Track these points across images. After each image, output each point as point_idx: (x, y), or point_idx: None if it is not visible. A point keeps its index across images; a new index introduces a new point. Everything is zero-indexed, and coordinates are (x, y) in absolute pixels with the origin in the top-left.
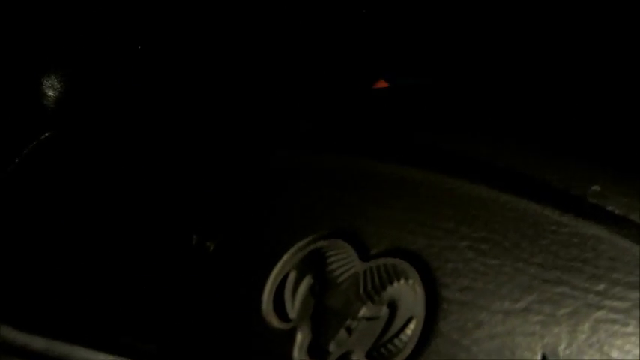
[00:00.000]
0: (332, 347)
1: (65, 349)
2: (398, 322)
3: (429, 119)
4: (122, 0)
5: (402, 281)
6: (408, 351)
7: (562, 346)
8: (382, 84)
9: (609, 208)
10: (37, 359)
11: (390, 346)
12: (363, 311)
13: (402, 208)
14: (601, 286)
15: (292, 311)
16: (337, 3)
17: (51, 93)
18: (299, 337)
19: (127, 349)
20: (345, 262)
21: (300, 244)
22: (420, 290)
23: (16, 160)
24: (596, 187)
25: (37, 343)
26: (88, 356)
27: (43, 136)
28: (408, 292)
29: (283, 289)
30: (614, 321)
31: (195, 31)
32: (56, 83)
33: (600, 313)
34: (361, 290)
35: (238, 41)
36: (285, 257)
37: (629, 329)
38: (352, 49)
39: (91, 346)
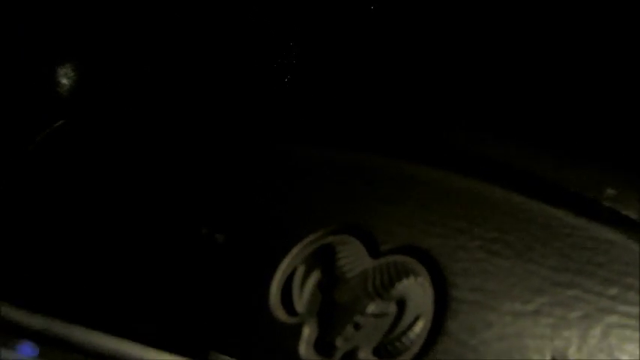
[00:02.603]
0: (339, 343)
1: (65, 328)
2: (406, 320)
3: (443, 118)
4: None
5: (412, 279)
6: (415, 349)
7: (572, 350)
8: None
9: (624, 212)
10: (37, 338)
11: (397, 343)
12: (372, 308)
13: (413, 206)
14: (614, 291)
15: (300, 305)
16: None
17: (65, 82)
18: (306, 331)
19: (128, 332)
20: (354, 258)
21: (310, 238)
22: (429, 289)
23: (30, 148)
24: (611, 191)
25: (37, 321)
26: (87, 337)
27: (56, 124)
28: (417, 290)
29: (291, 283)
30: (626, 326)
31: (209, 27)
32: (70, 72)
33: (612, 318)
34: (370, 287)
35: (250, 40)
36: (294, 251)
37: None
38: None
39: (93, 327)
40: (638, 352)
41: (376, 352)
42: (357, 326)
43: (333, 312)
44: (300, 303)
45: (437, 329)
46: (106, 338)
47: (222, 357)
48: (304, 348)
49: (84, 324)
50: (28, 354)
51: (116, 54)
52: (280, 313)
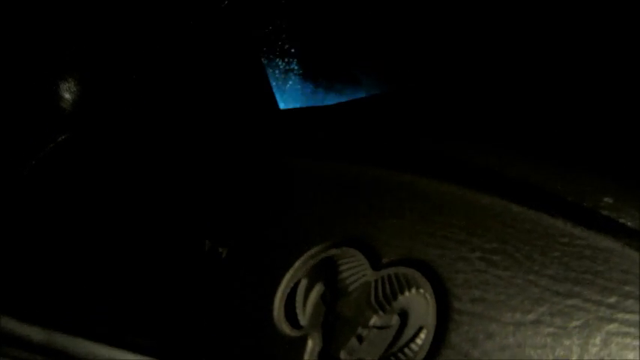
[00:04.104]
0: (343, 355)
1: (65, 340)
2: (409, 332)
3: (442, 129)
4: (138, 7)
5: (414, 291)
6: None
7: (574, 359)
8: None
9: (622, 220)
10: (38, 351)
11: (400, 355)
12: (374, 320)
13: (414, 217)
14: (613, 299)
15: (303, 318)
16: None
17: (68, 96)
18: (310, 344)
19: (130, 344)
20: (356, 270)
21: (312, 251)
22: (431, 300)
23: (34, 162)
24: (608, 199)
25: (38, 334)
26: (89, 349)
27: (60, 138)
28: (420, 302)
29: (295, 296)
30: (626, 334)
31: (213, 42)
32: (73, 86)
33: (612, 327)
34: (372, 299)
35: (251, 55)
36: (296, 264)
37: None
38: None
39: (95, 339)
40: None
41: None
42: (360, 339)
43: (336, 325)
44: (304, 316)
45: (439, 341)
46: (106, 349)
47: None
48: None
49: (85, 336)
50: None
51: (119, 68)
52: (284, 327)
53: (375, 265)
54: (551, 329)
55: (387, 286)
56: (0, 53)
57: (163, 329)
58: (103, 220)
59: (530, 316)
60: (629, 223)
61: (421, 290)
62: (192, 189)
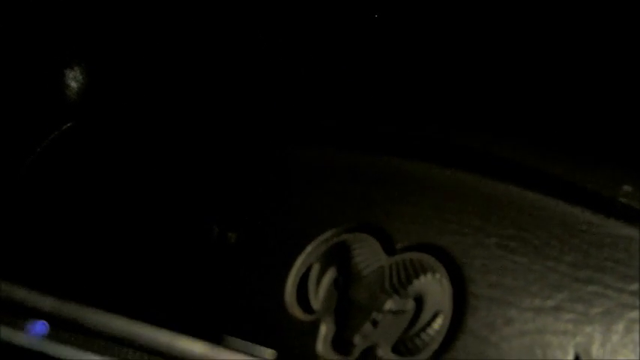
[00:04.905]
0: (357, 340)
1: (76, 310)
2: (425, 317)
3: (458, 118)
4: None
5: (429, 275)
6: (435, 346)
7: (595, 346)
8: None
9: None
10: (47, 319)
11: (416, 340)
12: (389, 304)
13: (428, 204)
14: (635, 286)
15: (316, 303)
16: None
17: (73, 84)
18: (323, 329)
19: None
20: (370, 255)
21: (324, 236)
22: (447, 285)
23: (38, 149)
24: (627, 187)
25: (48, 302)
26: (98, 318)
27: (64, 126)
28: (435, 287)
29: (307, 281)
30: None
31: (217, 32)
32: (78, 75)
33: (635, 314)
34: (387, 283)
35: (258, 47)
36: (308, 249)
37: None
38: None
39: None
40: None
41: (395, 349)
42: (374, 323)
43: (349, 309)
44: (317, 301)
45: (456, 326)
46: (117, 320)
47: (233, 339)
48: (322, 346)
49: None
50: (38, 333)
51: (124, 57)
52: (297, 311)
53: (389, 251)
54: (571, 315)
55: (402, 270)
56: (7, 41)
57: (173, 318)
58: (111, 207)
59: (550, 302)
60: None
61: (437, 275)
62: (201, 174)
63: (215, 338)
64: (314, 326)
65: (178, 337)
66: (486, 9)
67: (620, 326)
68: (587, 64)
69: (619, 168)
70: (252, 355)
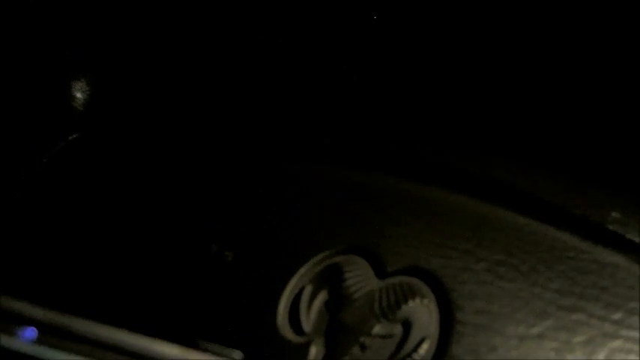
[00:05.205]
0: None
1: (64, 319)
2: (411, 342)
3: (450, 140)
4: (150, 8)
5: (418, 300)
6: None
7: None
8: None
9: (629, 235)
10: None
11: None
12: (378, 329)
13: (419, 227)
14: (618, 315)
15: (307, 325)
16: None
17: (79, 95)
18: (313, 351)
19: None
20: (361, 278)
21: (317, 258)
22: (434, 311)
23: (45, 160)
24: (616, 214)
25: (38, 312)
26: (86, 327)
27: (71, 137)
28: (423, 312)
29: (299, 302)
30: (630, 351)
31: (224, 44)
32: (84, 86)
33: (616, 343)
34: (376, 307)
35: (263, 59)
36: (301, 271)
37: None
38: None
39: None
40: None
41: None
42: (363, 347)
43: (339, 332)
44: (308, 322)
45: (442, 352)
46: (107, 329)
47: (210, 345)
48: None
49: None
50: (28, 339)
51: (130, 68)
52: (287, 332)
53: (380, 274)
54: (555, 344)
55: (392, 295)
56: (13, 51)
57: (166, 330)
58: (111, 219)
59: (534, 330)
60: (636, 239)
61: (425, 300)
62: (199, 193)
63: (190, 342)
64: (304, 348)
65: (155, 341)
66: (484, 24)
67: (601, 355)
68: (580, 89)
69: (609, 194)
70: (220, 355)
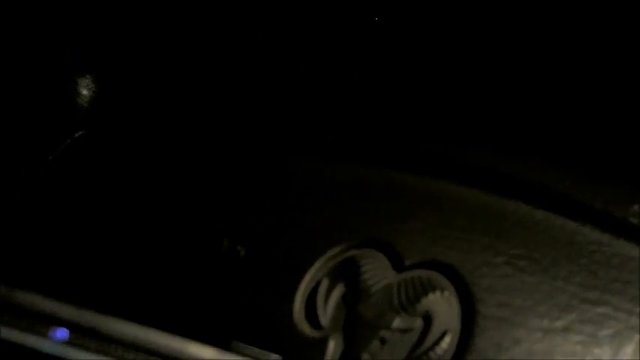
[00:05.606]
0: (365, 357)
1: (95, 318)
2: (433, 335)
3: (469, 135)
4: (156, 7)
5: (438, 293)
6: None
7: None
8: None
9: None
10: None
11: (424, 358)
12: (397, 322)
13: (437, 221)
14: None
15: (324, 319)
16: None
17: (85, 93)
18: (331, 345)
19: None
20: (378, 272)
21: (333, 251)
22: (455, 304)
23: (50, 157)
24: (637, 207)
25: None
26: (116, 326)
27: (76, 135)
28: (443, 305)
29: (315, 296)
30: None
31: (228, 44)
32: (90, 83)
33: None
34: (395, 301)
35: (272, 59)
36: (317, 264)
37: None
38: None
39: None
40: None
41: None
42: (382, 341)
43: (358, 326)
44: (325, 317)
45: (464, 345)
46: (134, 327)
47: (246, 347)
48: None
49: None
50: (59, 340)
51: (136, 66)
52: (305, 327)
53: (398, 267)
54: (580, 337)
55: (411, 288)
56: (18, 49)
57: (182, 327)
58: (117, 216)
59: (559, 323)
60: None
61: (445, 293)
62: (211, 187)
63: (223, 344)
64: (322, 342)
65: (189, 342)
66: (494, 23)
67: (629, 348)
68: (598, 83)
69: (630, 187)
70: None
